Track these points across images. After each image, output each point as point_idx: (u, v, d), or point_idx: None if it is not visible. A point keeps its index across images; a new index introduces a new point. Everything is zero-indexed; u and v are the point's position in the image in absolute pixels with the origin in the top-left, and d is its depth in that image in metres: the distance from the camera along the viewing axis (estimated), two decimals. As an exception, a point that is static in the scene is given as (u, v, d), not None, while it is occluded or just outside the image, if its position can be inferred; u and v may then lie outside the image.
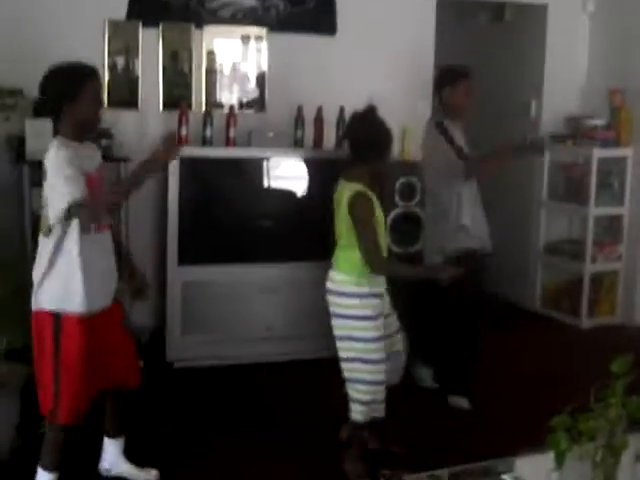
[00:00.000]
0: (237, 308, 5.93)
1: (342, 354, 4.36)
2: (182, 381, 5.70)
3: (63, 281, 3.79)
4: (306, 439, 4.78)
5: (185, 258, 5.80)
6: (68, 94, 3.75)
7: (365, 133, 4.39)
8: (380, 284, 4.36)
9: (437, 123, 5.42)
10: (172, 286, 5.79)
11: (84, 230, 3.77)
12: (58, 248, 3.78)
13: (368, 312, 4.28)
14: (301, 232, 6.06)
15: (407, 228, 6.26)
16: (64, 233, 3.76)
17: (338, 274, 4.38)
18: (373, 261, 4.24)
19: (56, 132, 3.90)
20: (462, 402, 5.43)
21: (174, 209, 5.73)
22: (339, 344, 4.37)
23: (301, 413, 5.20)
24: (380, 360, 4.30)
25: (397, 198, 6.27)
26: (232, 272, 5.92)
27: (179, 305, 5.82)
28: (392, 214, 6.18)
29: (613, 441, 2.88)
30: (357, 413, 4.36)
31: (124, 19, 6.14)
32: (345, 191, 4.32)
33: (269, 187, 6.15)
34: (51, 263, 3.79)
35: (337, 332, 4.37)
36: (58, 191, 3.66)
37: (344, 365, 4.36)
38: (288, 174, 6.21)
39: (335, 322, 4.38)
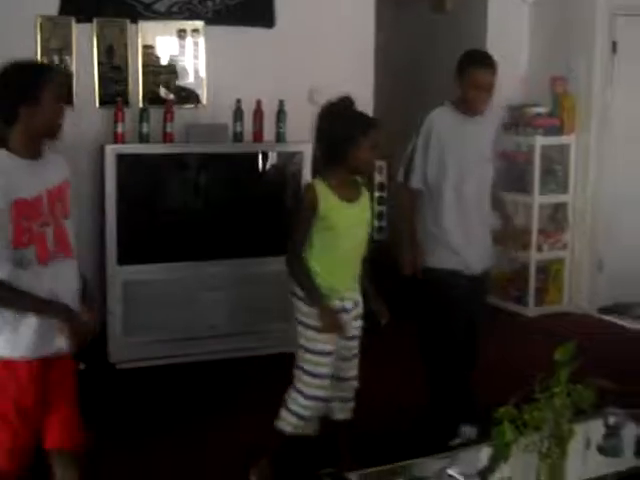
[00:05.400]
0: (179, 307, 5.83)
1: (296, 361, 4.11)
2: (125, 382, 5.59)
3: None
4: (250, 438, 4.65)
5: (125, 257, 5.69)
6: (27, 96, 3.11)
7: (334, 132, 3.92)
8: (341, 296, 4.00)
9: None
10: (112, 286, 5.68)
11: (18, 265, 3.09)
12: None
13: (312, 322, 3.95)
14: (242, 228, 5.98)
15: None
16: None
17: None
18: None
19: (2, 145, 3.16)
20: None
21: (112, 207, 5.62)
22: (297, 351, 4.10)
23: (246, 410, 5.10)
24: (322, 375, 4.01)
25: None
26: (173, 270, 5.81)
27: (120, 305, 5.71)
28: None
29: (559, 431, 2.84)
30: (287, 424, 4.09)
31: (57, 15, 5.99)
32: None
33: (209, 183, 6.07)
34: None
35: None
36: None
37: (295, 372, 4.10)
38: (228, 169, 6.11)
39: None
